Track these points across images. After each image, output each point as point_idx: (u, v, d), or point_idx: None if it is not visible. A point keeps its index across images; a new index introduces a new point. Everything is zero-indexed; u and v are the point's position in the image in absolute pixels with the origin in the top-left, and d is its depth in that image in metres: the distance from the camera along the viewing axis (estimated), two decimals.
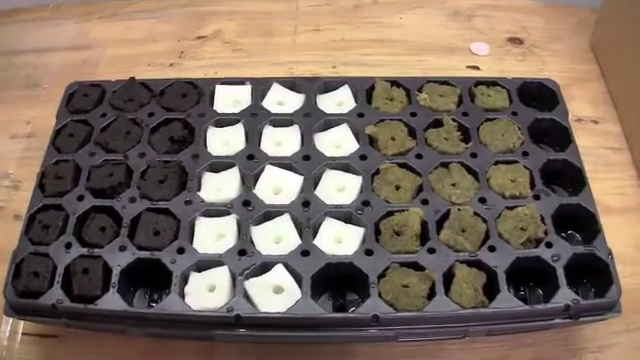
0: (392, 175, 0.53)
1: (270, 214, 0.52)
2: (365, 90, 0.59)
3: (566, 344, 0.53)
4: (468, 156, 0.55)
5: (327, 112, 0.58)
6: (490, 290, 0.48)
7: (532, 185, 0.53)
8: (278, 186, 0.53)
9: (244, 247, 0.50)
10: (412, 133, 0.56)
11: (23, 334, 0.54)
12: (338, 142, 0.56)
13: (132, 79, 0.61)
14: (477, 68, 0.72)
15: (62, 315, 0.48)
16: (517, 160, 0.54)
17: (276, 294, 0.48)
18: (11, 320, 0.54)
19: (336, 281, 0.50)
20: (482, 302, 0.47)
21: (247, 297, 0.47)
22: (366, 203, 0.52)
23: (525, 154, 0.55)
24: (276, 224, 0.51)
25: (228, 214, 0.52)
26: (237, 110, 0.58)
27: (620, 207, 0.61)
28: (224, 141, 0.56)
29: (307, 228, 0.51)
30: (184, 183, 0.54)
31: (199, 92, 0.60)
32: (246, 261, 0.49)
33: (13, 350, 0.54)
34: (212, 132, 0.57)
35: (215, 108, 0.59)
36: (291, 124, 0.57)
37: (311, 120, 0.57)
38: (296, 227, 0.51)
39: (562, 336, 0.53)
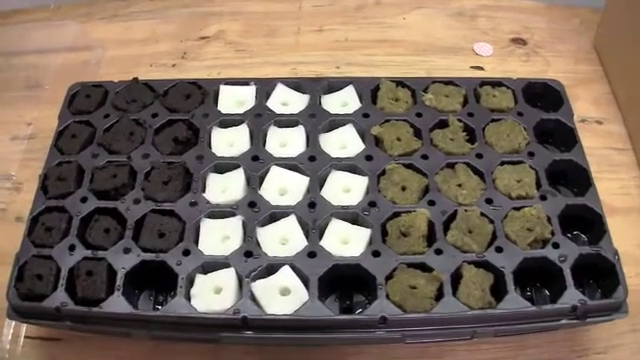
0: (398, 176, 0.53)
1: (276, 215, 0.51)
2: (370, 90, 0.59)
3: (572, 345, 0.53)
4: (474, 157, 0.55)
5: (332, 112, 0.58)
6: (497, 291, 0.48)
7: (538, 186, 0.53)
8: (284, 187, 0.53)
9: (250, 249, 0.49)
10: (418, 133, 0.56)
11: (26, 337, 0.54)
12: (343, 143, 0.56)
13: (135, 79, 0.60)
14: (481, 69, 0.72)
15: (66, 318, 0.47)
16: (523, 160, 0.54)
17: (283, 296, 0.47)
18: (13, 323, 0.54)
19: (343, 282, 0.50)
20: (490, 303, 0.47)
21: (253, 299, 0.47)
22: (372, 204, 0.52)
23: (531, 154, 0.55)
24: (282, 225, 0.51)
25: (233, 215, 0.51)
26: (241, 111, 0.58)
27: (624, 207, 0.61)
28: (229, 142, 0.56)
29: (313, 229, 0.50)
30: (189, 184, 0.53)
31: (203, 93, 0.59)
32: (252, 263, 0.49)
33: (16, 353, 0.53)
34: (216, 133, 0.57)
35: (219, 109, 0.58)
36: (296, 124, 0.57)
37: (316, 120, 0.57)
38: (302, 228, 0.50)
39: (568, 337, 0.53)
